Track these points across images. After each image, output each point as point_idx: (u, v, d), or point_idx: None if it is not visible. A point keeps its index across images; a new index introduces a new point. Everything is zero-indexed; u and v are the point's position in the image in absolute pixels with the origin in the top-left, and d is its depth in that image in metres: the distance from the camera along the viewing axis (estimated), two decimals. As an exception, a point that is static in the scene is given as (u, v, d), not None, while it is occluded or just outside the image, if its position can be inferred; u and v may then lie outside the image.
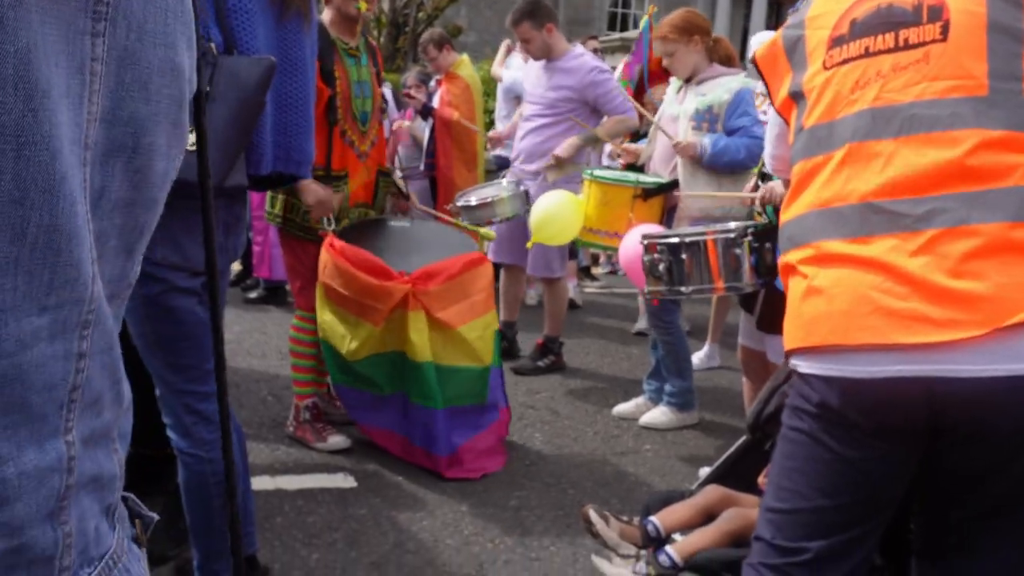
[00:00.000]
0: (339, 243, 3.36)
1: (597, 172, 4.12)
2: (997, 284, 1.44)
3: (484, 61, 13.71)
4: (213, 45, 2.03)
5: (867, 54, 1.65)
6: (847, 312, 1.54)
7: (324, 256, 3.38)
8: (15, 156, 0.49)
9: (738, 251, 2.96)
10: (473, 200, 4.33)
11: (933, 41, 1.58)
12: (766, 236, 2.96)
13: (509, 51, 6.88)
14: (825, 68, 1.72)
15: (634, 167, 4.60)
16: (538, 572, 2.82)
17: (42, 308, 0.53)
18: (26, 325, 0.52)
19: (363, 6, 3.42)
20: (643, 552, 2.66)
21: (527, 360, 4.87)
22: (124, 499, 0.68)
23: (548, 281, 4.81)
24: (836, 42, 1.71)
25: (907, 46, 1.61)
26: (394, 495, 3.29)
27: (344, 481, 3.38)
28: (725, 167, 3.77)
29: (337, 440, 3.64)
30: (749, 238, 2.95)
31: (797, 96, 1.79)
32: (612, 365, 5.11)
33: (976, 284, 1.45)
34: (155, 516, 0.71)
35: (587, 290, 7.13)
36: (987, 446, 1.53)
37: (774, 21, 28.77)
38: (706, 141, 3.77)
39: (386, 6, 11.94)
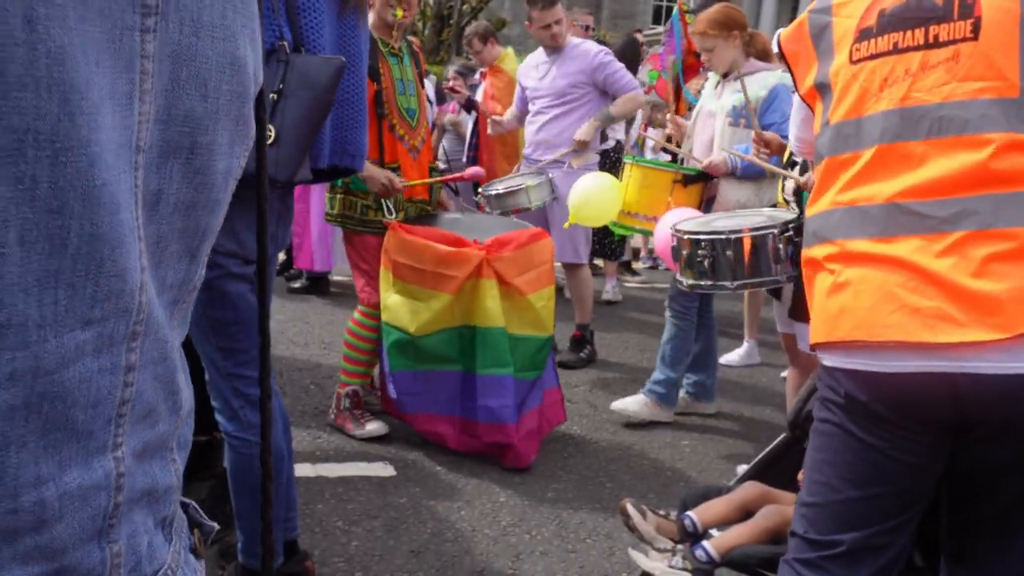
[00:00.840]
0: (406, 224, 3.51)
1: (638, 157, 4.16)
2: (1020, 288, 1.44)
3: (528, 53, 13.71)
4: (286, 44, 2.08)
5: (895, 50, 1.61)
6: (872, 308, 1.55)
7: (391, 237, 3.47)
8: (51, 163, 0.46)
9: (780, 245, 2.95)
10: (500, 188, 4.38)
11: (964, 39, 1.54)
12: (802, 229, 2.95)
13: None
14: (852, 62, 1.68)
15: (675, 161, 4.59)
16: (574, 564, 2.84)
17: (86, 322, 0.50)
18: (68, 341, 0.50)
19: (399, 13, 3.51)
20: (679, 547, 2.67)
21: (568, 354, 4.89)
22: (184, 506, 0.66)
23: (571, 268, 4.83)
24: (863, 34, 1.67)
25: (936, 43, 1.57)
26: (433, 484, 3.32)
27: (384, 470, 3.42)
28: (761, 175, 3.75)
29: (374, 427, 3.68)
30: (790, 232, 2.94)
31: (823, 88, 1.76)
32: (650, 359, 5.09)
33: (1000, 286, 1.45)
34: (216, 526, 0.69)
35: (627, 284, 7.13)
36: (1012, 442, 1.53)
37: (822, 14, 28.39)
38: (738, 148, 3.75)
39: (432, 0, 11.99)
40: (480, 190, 4.55)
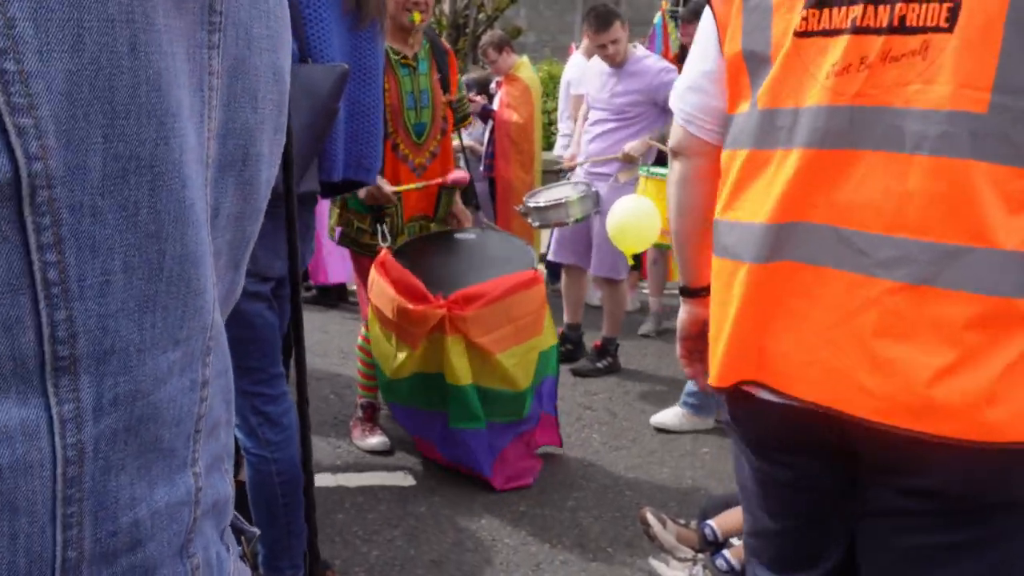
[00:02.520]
0: (389, 260, 3.29)
1: (653, 168, 4.13)
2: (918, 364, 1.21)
3: (543, 61, 13.74)
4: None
5: (853, 29, 1.25)
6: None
7: (372, 274, 3.33)
8: (151, 188, 0.47)
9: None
10: (542, 201, 4.34)
11: (936, 29, 1.18)
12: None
13: (571, 53, 6.89)
14: (797, 33, 1.31)
15: None
16: (595, 573, 2.83)
17: (176, 342, 0.51)
18: (162, 362, 0.50)
19: (417, 18, 3.33)
20: (700, 556, 2.66)
21: (586, 362, 4.88)
22: None
23: (610, 282, 4.82)
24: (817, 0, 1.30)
25: (903, 28, 1.21)
26: (453, 494, 3.33)
27: (404, 479, 3.43)
28: None
29: (375, 441, 3.65)
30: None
31: (754, 58, 1.38)
32: (670, 367, 5.08)
33: (901, 356, 1.23)
34: (256, 531, 0.70)
35: (644, 291, 7.11)
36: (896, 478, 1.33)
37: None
38: None
39: (446, 8, 12.02)
40: (524, 199, 4.51)
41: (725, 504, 2.81)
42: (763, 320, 1.38)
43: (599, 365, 4.85)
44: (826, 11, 1.28)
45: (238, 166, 0.57)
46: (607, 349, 4.89)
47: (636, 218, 3.90)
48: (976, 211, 1.16)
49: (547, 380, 3.53)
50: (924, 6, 1.20)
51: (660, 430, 4.03)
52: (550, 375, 3.54)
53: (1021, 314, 1.17)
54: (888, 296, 1.23)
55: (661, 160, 5.80)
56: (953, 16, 1.17)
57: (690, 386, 4.05)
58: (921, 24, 1.20)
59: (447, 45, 3.70)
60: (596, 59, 4.82)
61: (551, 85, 10.54)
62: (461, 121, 3.84)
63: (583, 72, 5.44)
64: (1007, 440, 1.18)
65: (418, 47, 3.47)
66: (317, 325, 5.55)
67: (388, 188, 3.34)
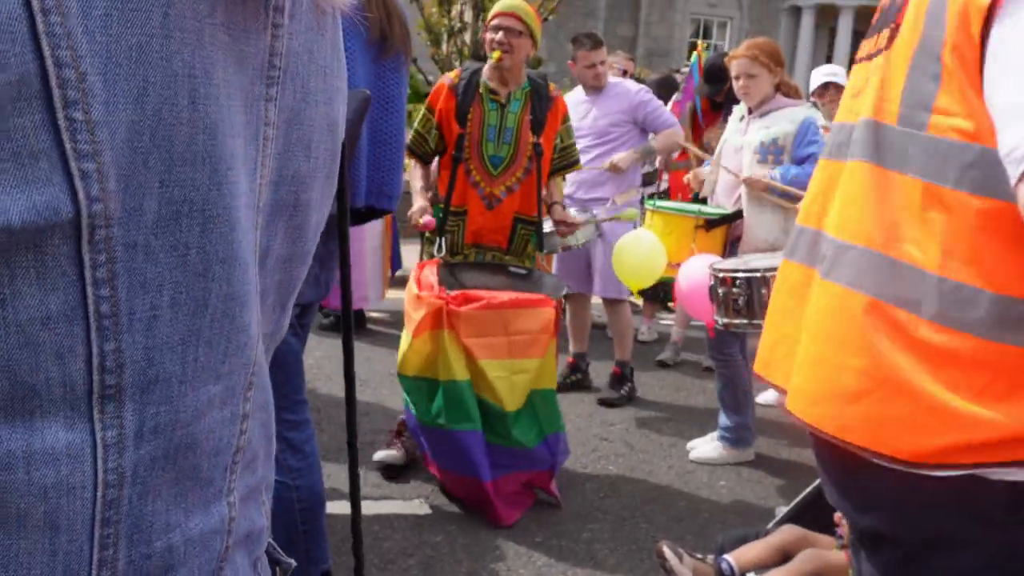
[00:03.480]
0: (429, 266, 3.48)
1: (660, 202, 4.18)
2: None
3: (563, 90, 13.82)
4: None
5: (868, 56, 1.38)
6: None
7: (410, 278, 3.49)
8: (201, 231, 0.50)
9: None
10: (546, 227, 4.39)
11: (881, 51, 1.31)
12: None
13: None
14: (854, 60, 1.47)
15: (697, 198, 4.61)
16: (610, 606, 2.82)
17: (217, 376, 0.54)
18: (203, 395, 0.53)
19: (496, 56, 3.57)
20: (717, 590, 2.64)
21: (609, 391, 4.87)
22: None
23: (613, 303, 4.83)
24: (868, 33, 1.42)
25: (877, 52, 1.33)
26: (468, 523, 3.33)
27: (420, 508, 3.43)
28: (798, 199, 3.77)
29: (383, 454, 3.70)
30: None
31: None
32: (687, 399, 5.08)
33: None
34: (293, 562, 0.72)
35: (662, 322, 7.10)
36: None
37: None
38: (775, 173, 3.75)
39: (468, 38, 12.15)
40: None
41: (742, 539, 2.80)
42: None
43: (623, 392, 4.84)
44: (864, 41, 1.42)
45: (289, 211, 0.60)
46: (624, 374, 4.88)
47: (641, 252, 3.91)
48: (878, 214, 1.24)
49: (560, 436, 3.46)
50: (887, 31, 1.30)
51: (694, 461, 4.02)
52: (560, 431, 3.46)
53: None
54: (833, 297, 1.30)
55: (649, 181, 5.85)
56: (892, 36, 1.27)
57: (724, 420, 4.06)
58: (878, 48, 1.32)
59: (556, 91, 3.83)
60: (571, 93, 4.95)
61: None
62: (564, 168, 3.92)
63: None
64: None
65: (515, 86, 3.66)
66: (334, 352, 5.57)
67: (423, 218, 3.50)
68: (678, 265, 3.79)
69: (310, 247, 0.65)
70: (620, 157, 4.66)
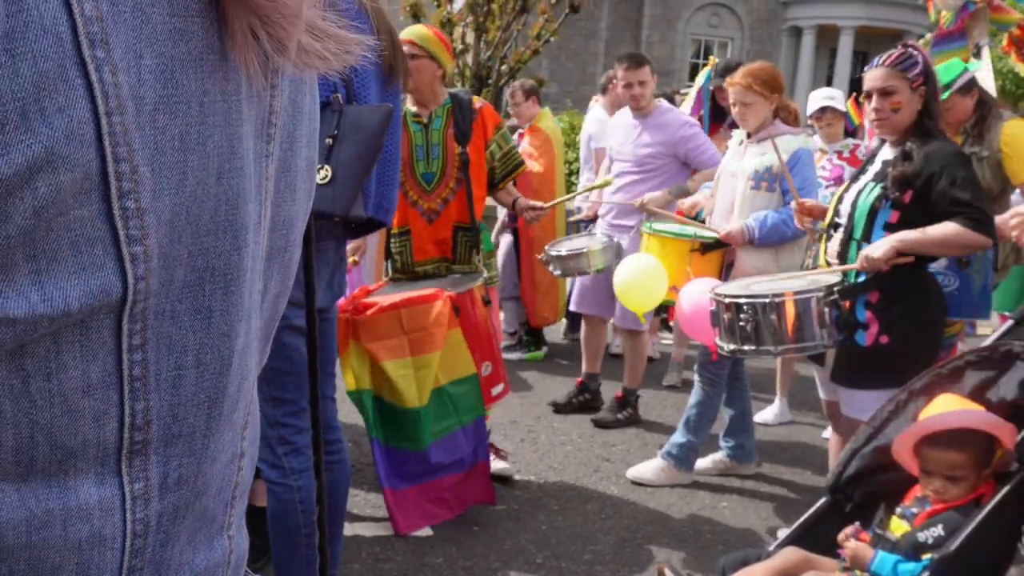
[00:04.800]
0: (370, 289, 3.60)
1: (656, 225, 4.17)
2: None
3: (564, 112, 13.87)
4: (339, 96, 2.30)
5: None
6: None
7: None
8: (223, 294, 0.53)
9: (824, 309, 2.95)
10: (563, 251, 4.38)
11: None
12: (846, 294, 2.96)
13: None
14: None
15: (696, 219, 4.59)
16: (612, 629, 2.80)
17: (230, 425, 0.57)
18: (219, 443, 0.56)
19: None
20: (719, 613, 2.63)
21: (606, 412, 4.86)
22: None
23: (632, 333, 4.82)
24: None
25: None
26: (469, 544, 3.31)
27: (421, 530, 3.42)
28: (781, 242, 3.77)
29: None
30: (834, 296, 2.94)
31: None
32: (689, 419, 5.06)
33: None
34: None
35: (664, 341, 7.10)
36: None
37: (859, 73, 28.46)
38: (752, 223, 3.74)
39: (470, 59, 12.20)
40: (545, 248, 4.55)
41: (744, 560, 2.78)
42: None
43: (619, 416, 4.83)
44: None
45: (281, 253, 0.63)
46: (628, 400, 4.87)
47: (642, 276, 3.91)
48: None
49: (477, 420, 3.47)
50: None
51: (634, 482, 4.00)
52: (480, 415, 3.47)
53: None
54: None
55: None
56: None
57: (677, 437, 4.05)
58: None
59: (480, 103, 3.89)
60: (621, 112, 4.90)
61: (572, 136, 10.64)
62: (511, 173, 3.97)
63: (603, 126, 5.49)
64: None
65: (434, 106, 3.76)
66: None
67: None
68: (676, 288, 3.79)
69: (292, 280, 0.67)
70: (651, 198, 4.54)
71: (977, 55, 4.77)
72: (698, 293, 3.56)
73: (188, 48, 0.48)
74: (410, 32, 3.71)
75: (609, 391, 5.02)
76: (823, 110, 5.26)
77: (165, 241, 0.48)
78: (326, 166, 2.21)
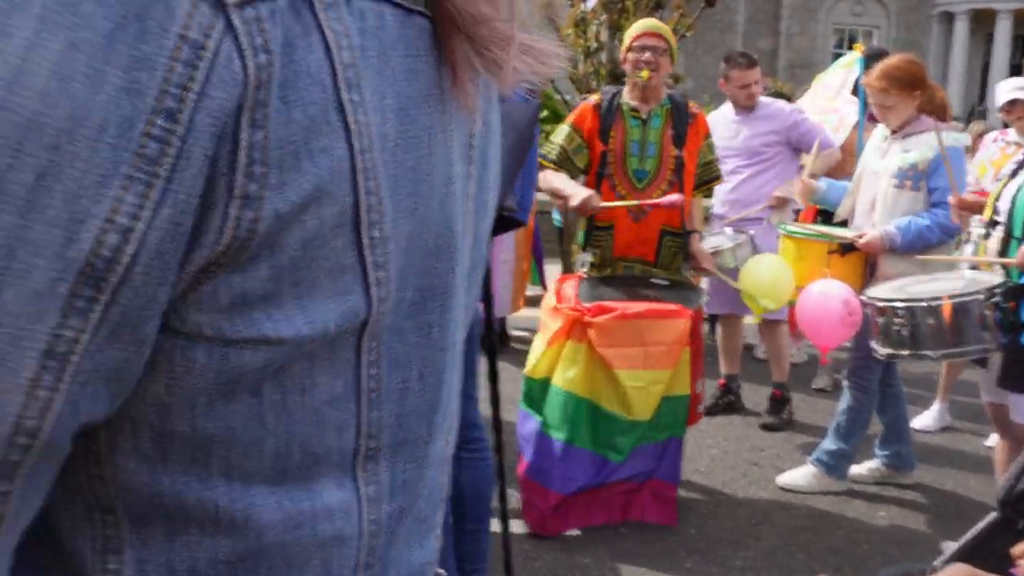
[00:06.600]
0: (569, 281, 3.58)
1: (790, 227, 4.07)
2: None
3: (705, 108, 13.63)
4: None
5: None
6: None
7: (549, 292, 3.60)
8: (441, 311, 0.58)
9: (986, 311, 2.83)
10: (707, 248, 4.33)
11: None
12: (1010, 295, 2.82)
13: None
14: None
15: (829, 220, 4.42)
16: (767, 638, 2.76)
17: (449, 431, 0.65)
18: (438, 449, 0.63)
19: (645, 75, 3.65)
20: (882, 627, 2.55)
21: (769, 416, 4.75)
22: None
23: (770, 324, 4.74)
24: None
25: None
26: (620, 545, 3.32)
27: (571, 529, 3.45)
28: (926, 247, 3.56)
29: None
30: (997, 297, 2.81)
31: None
32: (840, 424, 4.91)
33: None
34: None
35: (811, 344, 6.90)
36: None
37: (1019, 58, 26.78)
38: (893, 231, 3.54)
39: (605, 58, 12.17)
40: None
41: (906, 575, 2.69)
42: None
43: (783, 416, 4.74)
44: None
45: (478, 267, 0.68)
46: (784, 397, 4.77)
47: (771, 276, 3.83)
48: None
49: (672, 441, 3.41)
50: None
51: (784, 488, 3.89)
52: (676, 436, 3.42)
53: None
54: None
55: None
56: None
57: (828, 444, 3.92)
58: None
59: (696, 109, 3.89)
60: (719, 112, 4.90)
61: (711, 132, 10.46)
62: (706, 183, 3.96)
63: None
64: None
65: (655, 104, 3.74)
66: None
67: (597, 202, 3.57)
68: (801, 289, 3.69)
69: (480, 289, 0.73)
70: (783, 189, 4.60)
71: None
72: (819, 295, 3.47)
73: (419, 86, 0.52)
74: (651, 25, 3.76)
75: (757, 394, 4.91)
76: (1013, 102, 4.96)
77: (401, 264, 0.53)
78: None
